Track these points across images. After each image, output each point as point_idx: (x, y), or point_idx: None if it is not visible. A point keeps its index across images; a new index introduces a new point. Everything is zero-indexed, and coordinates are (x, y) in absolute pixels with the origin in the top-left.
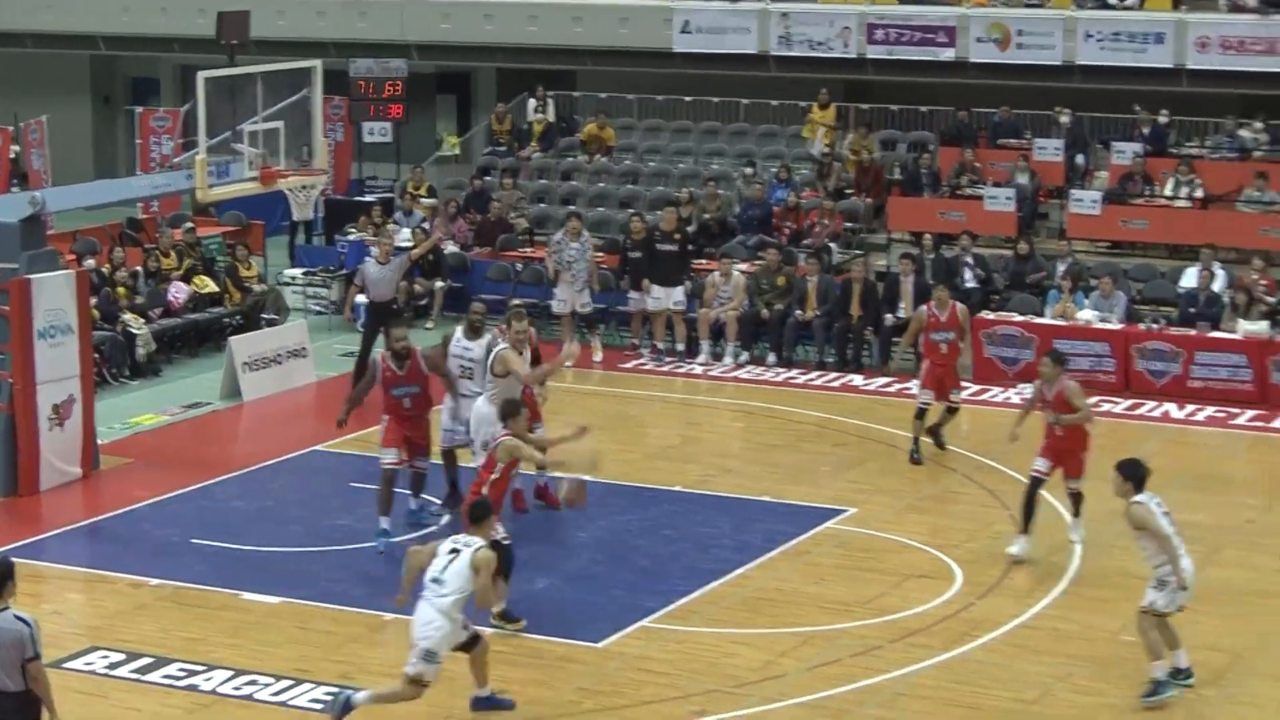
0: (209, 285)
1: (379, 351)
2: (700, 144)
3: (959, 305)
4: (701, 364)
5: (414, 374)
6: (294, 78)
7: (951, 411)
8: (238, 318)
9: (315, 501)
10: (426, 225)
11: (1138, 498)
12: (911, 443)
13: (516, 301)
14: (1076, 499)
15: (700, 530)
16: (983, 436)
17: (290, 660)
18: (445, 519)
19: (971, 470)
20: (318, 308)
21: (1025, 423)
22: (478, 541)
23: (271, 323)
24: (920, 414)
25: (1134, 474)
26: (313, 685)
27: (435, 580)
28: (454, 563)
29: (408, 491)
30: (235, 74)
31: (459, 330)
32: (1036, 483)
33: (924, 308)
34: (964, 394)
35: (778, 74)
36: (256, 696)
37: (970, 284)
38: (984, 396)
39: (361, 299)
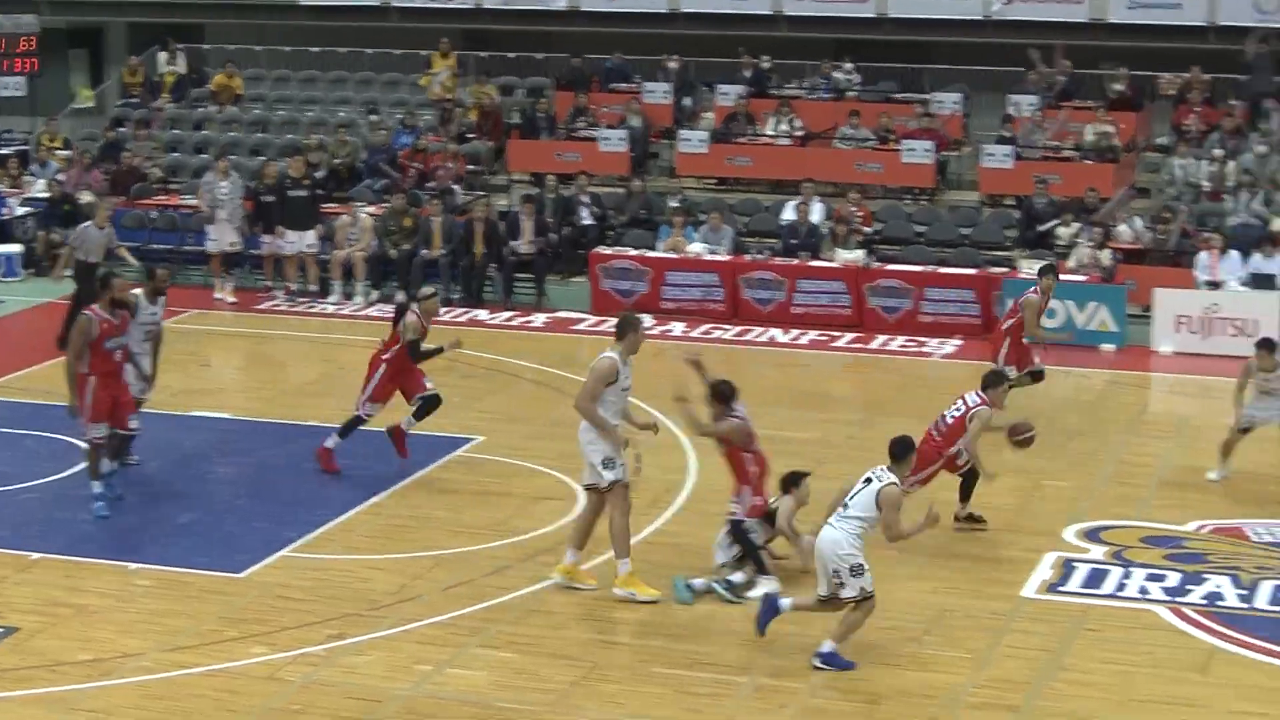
0: None
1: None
2: (327, 93)
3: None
4: (334, 303)
5: (125, 324)
6: None
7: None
8: None
9: None
10: (61, 177)
11: None
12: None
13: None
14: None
15: (339, 463)
16: None
17: None
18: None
19: None
20: None
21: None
22: (889, 477)
23: None
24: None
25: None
26: None
27: (844, 505)
28: (863, 492)
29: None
30: None
31: (140, 295)
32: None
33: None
34: (584, 324)
35: (399, 24)
36: None
37: (587, 221)
38: (601, 327)
39: None
